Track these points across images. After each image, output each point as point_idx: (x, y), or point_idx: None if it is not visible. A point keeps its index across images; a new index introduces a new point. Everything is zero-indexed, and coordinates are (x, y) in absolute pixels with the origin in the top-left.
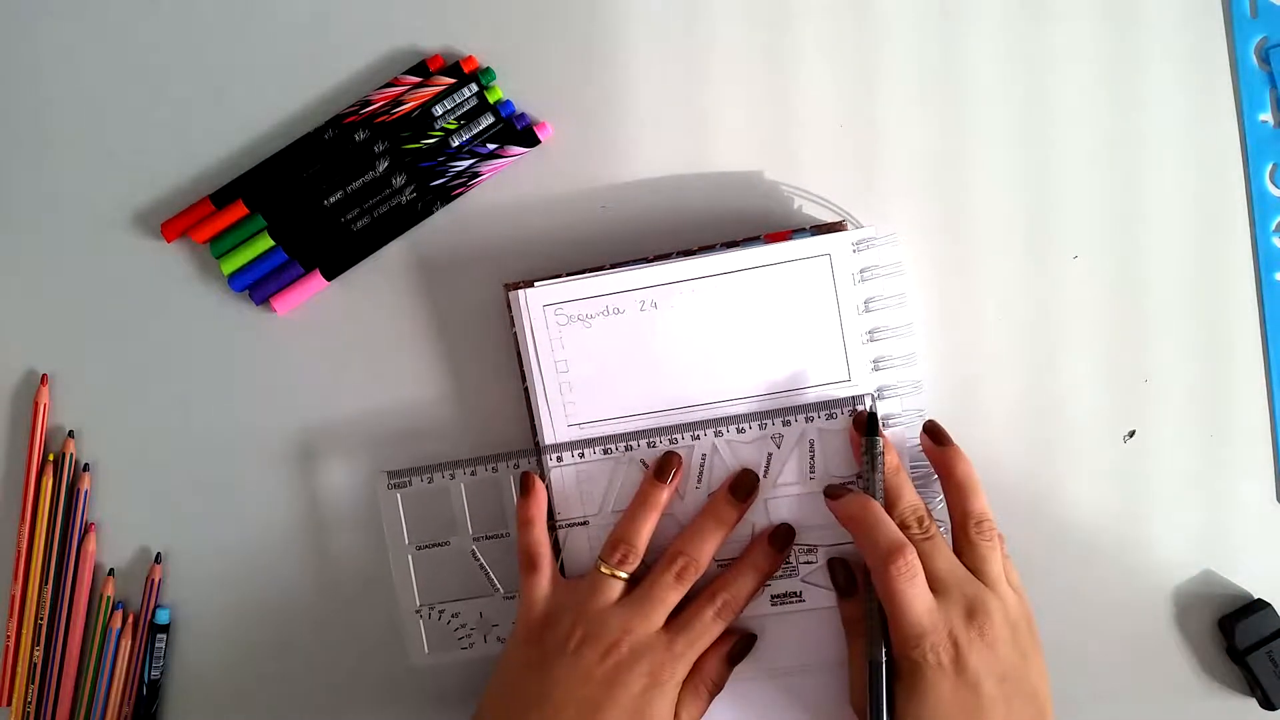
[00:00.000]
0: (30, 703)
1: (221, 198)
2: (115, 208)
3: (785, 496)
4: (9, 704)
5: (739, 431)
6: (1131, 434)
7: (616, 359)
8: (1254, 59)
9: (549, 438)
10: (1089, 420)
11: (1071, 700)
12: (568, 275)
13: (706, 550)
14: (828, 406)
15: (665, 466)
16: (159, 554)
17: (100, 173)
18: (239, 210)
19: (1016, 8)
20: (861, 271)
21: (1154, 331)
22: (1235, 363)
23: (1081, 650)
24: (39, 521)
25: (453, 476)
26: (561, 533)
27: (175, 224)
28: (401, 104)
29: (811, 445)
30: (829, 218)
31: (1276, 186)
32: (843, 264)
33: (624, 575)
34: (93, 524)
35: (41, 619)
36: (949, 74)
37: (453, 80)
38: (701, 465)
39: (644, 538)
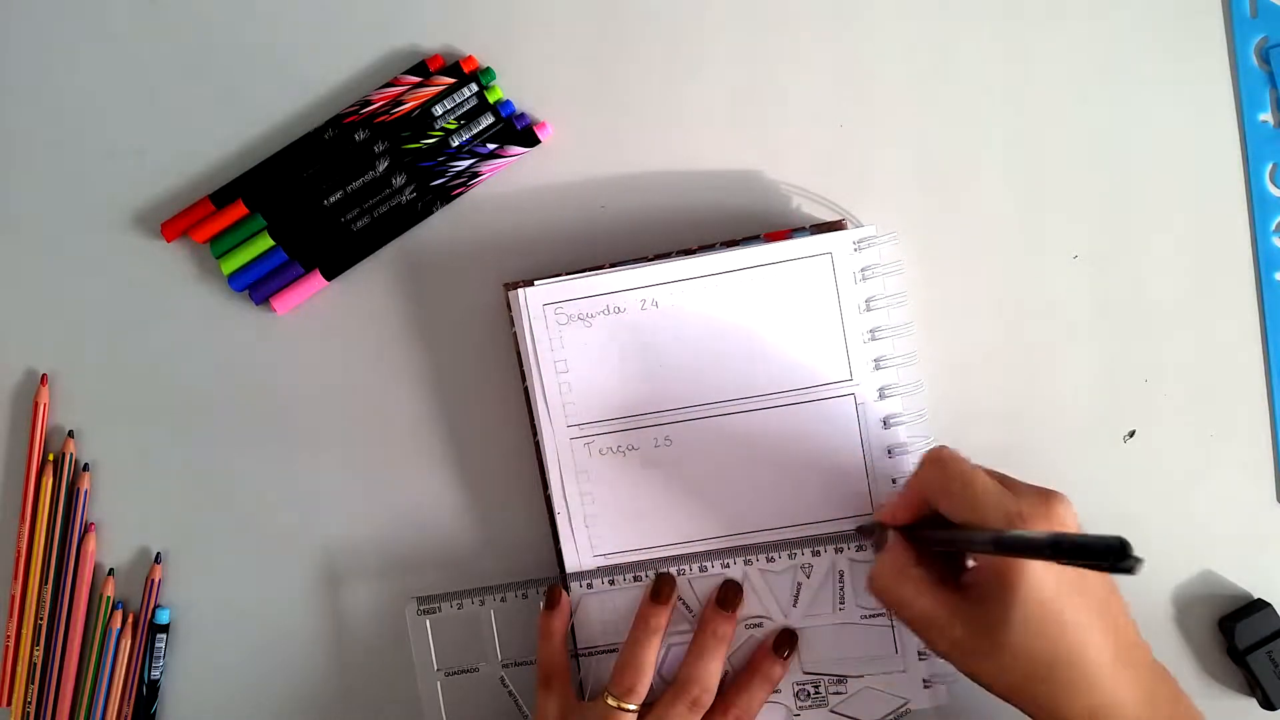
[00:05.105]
0: (30, 703)
1: (221, 198)
2: (115, 208)
3: (815, 626)
4: (9, 704)
5: (769, 560)
6: (1131, 434)
7: (617, 358)
8: (1254, 59)
9: (549, 438)
10: (1089, 420)
11: None
12: (568, 274)
13: (714, 672)
14: (858, 537)
15: (661, 588)
16: (159, 554)
17: (100, 173)
18: (239, 210)
19: (1016, 7)
20: (862, 270)
21: (1154, 331)
22: (1235, 362)
23: None
24: (39, 521)
25: (483, 603)
26: (589, 659)
27: (175, 224)
28: (401, 104)
29: (841, 576)
30: (829, 216)
31: (1276, 186)
32: (843, 262)
33: (632, 708)
34: (93, 524)
35: (41, 619)
36: (949, 73)
37: (453, 80)
38: None
39: (649, 665)
